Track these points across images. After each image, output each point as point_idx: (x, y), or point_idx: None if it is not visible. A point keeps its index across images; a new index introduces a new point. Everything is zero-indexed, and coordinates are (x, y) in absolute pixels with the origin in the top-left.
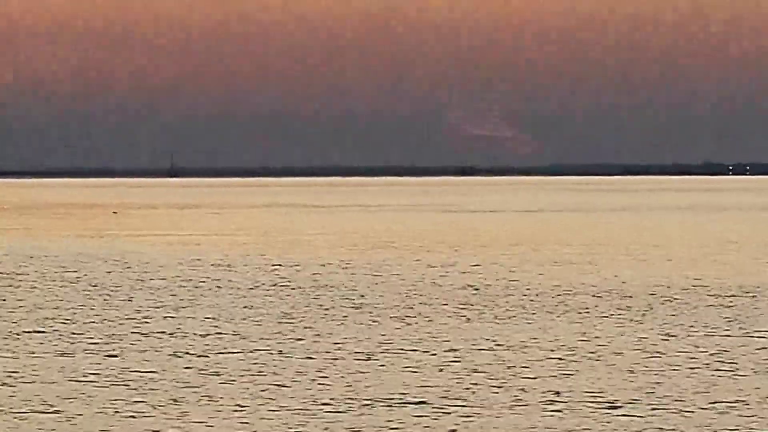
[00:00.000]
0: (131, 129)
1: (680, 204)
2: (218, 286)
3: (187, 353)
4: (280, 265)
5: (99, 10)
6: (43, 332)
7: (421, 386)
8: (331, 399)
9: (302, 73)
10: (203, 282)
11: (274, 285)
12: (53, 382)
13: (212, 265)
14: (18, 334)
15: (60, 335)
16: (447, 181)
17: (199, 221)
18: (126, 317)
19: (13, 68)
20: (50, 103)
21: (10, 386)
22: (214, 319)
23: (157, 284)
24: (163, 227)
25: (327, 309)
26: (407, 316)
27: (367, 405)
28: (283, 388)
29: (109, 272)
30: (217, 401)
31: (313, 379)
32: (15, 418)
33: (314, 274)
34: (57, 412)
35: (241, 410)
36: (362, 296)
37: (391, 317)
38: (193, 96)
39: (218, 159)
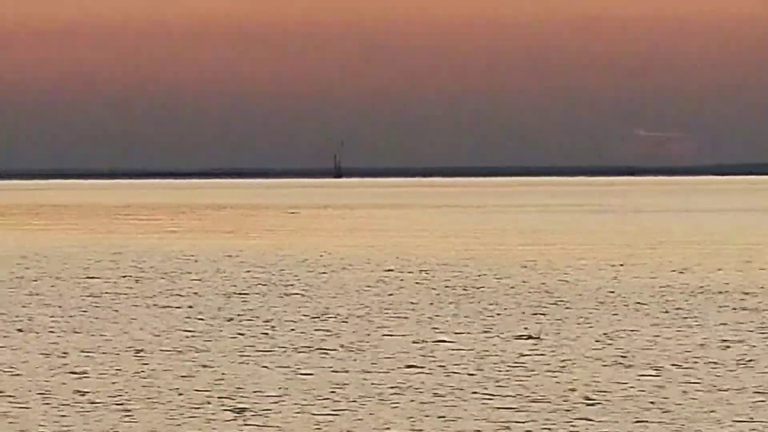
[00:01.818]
0: (293, 128)
1: None
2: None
3: None
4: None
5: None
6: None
7: None
8: None
9: (461, 75)
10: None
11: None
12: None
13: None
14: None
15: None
16: (611, 181)
17: (401, 221)
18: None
19: (199, 68)
20: (210, 102)
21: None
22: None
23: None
24: (363, 228)
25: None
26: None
27: None
28: None
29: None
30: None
31: None
32: None
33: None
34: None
35: None
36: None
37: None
38: (359, 96)
39: (380, 159)
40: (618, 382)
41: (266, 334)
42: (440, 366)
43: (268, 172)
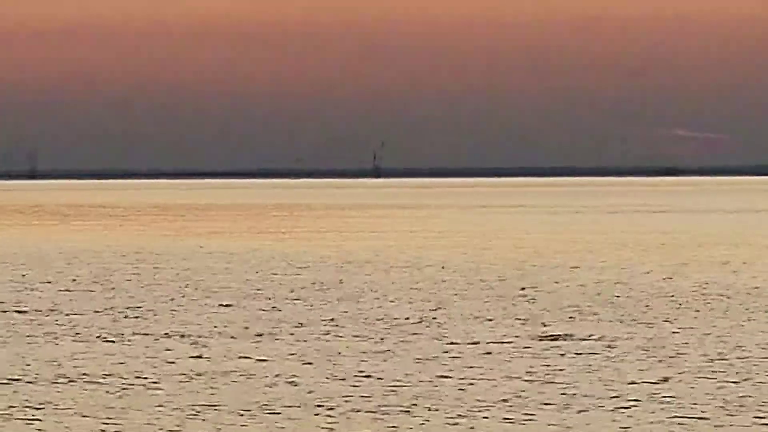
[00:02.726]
0: (334, 128)
1: None
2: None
3: None
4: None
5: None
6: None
7: None
8: None
9: (500, 73)
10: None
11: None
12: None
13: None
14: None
15: None
16: (649, 182)
17: (454, 222)
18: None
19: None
20: (242, 102)
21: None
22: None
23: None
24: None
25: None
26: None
27: None
28: None
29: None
30: None
31: None
32: None
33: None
34: None
35: None
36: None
37: None
38: (404, 96)
39: (414, 160)
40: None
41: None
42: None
43: (299, 173)
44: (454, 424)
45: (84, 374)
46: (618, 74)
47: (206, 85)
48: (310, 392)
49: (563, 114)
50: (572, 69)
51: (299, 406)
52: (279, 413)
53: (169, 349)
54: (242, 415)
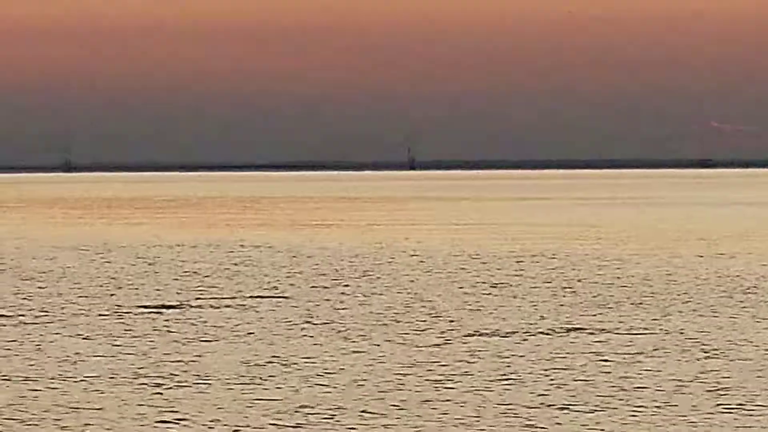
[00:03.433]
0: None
1: None
2: None
3: None
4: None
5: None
6: None
7: None
8: None
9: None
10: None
11: None
12: None
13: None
14: None
15: None
16: (686, 174)
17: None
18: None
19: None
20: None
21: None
22: None
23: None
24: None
25: None
26: None
27: None
28: None
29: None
30: None
31: None
32: None
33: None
34: None
35: None
36: None
37: None
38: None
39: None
40: None
41: None
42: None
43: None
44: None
45: None
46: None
47: (246, 79)
48: None
49: (600, 107)
50: (614, 64)
51: None
52: None
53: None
54: None
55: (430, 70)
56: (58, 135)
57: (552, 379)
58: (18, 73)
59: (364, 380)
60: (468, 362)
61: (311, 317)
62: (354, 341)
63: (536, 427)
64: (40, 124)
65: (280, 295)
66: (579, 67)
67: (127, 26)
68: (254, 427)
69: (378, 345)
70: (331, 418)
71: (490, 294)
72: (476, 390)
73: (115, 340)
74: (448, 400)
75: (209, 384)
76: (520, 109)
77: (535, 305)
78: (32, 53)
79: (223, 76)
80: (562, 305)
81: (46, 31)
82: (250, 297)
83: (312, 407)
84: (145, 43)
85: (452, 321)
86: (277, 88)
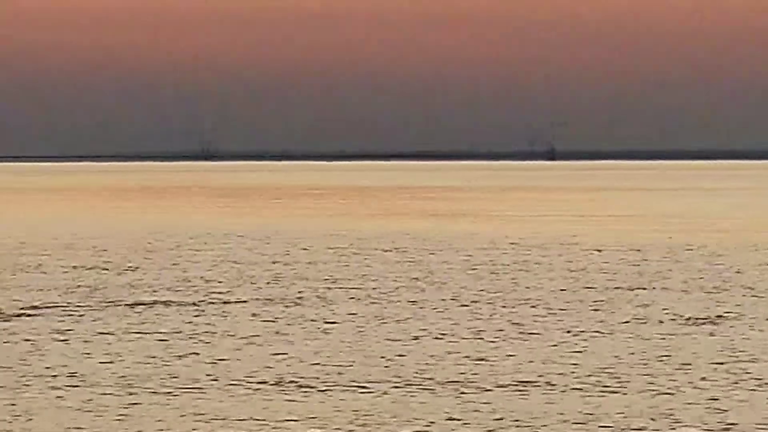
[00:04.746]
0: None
1: None
2: None
3: None
4: None
5: None
6: None
7: None
8: None
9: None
10: None
11: None
12: None
13: None
14: None
15: None
16: None
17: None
18: None
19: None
20: (409, 81)
21: None
22: None
23: None
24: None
25: None
26: None
27: None
28: None
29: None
30: None
31: None
32: None
33: None
34: None
35: None
36: None
37: None
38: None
39: (590, 142)
40: None
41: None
42: None
43: (465, 155)
44: None
45: None
46: None
47: (379, 65)
48: None
49: (748, 94)
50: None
51: None
52: None
53: None
54: None
55: (574, 58)
56: (195, 122)
57: None
58: (158, 60)
59: None
60: None
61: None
62: None
63: None
64: (178, 112)
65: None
66: (721, 53)
67: (262, 11)
68: None
69: None
70: None
71: None
72: None
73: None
74: None
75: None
76: (664, 96)
77: None
78: (171, 40)
79: (338, 64)
80: None
81: (183, 17)
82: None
83: None
84: (278, 30)
85: None
86: (425, 73)
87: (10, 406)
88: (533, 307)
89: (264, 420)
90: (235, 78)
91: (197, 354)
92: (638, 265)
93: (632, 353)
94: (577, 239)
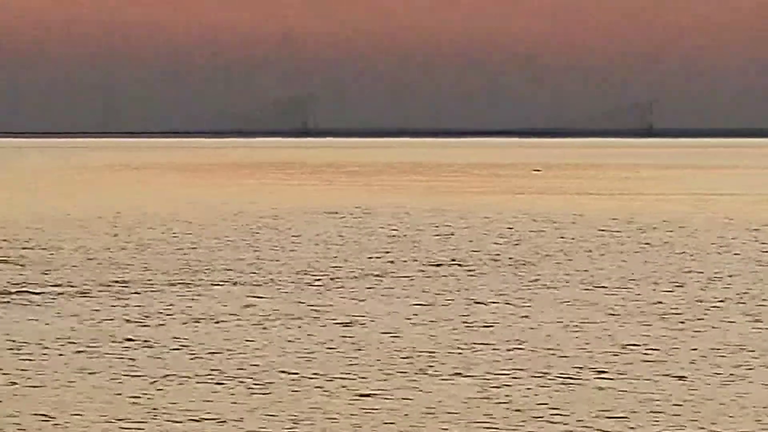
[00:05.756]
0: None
1: None
2: None
3: None
4: None
5: None
6: None
7: None
8: None
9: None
10: None
11: None
12: None
13: None
14: None
15: None
16: None
17: None
18: None
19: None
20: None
21: None
22: None
23: None
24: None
25: None
26: None
27: None
28: None
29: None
30: None
31: None
32: None
33: None
34: None
35: None
36: None
37: None
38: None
39: (688, 119)
40: None
41: None
42: None
43: (561, 132)
44: None
45: None
46: None
47: (474, 41)
48: None
49: None
50: None
51: None
52: None
53: None
54: None
55: (672, 36)
56: (297, 99)
57: None
58: (256, 37)
59: None
60: None
61: None
62: None
63: None
64: (278, 88)
65: None
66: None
67: None
68: None
69: None
70: None
71: None
72: None
73: None
74: None
75: None
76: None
77: None
78: (270, 17)
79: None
80: None
81: None
82: None
83: None
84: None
85: None
86: (521, 52)
87: None
88: None
89: None
90: (335, 53)
91: None
92: None
93: None
94: None
